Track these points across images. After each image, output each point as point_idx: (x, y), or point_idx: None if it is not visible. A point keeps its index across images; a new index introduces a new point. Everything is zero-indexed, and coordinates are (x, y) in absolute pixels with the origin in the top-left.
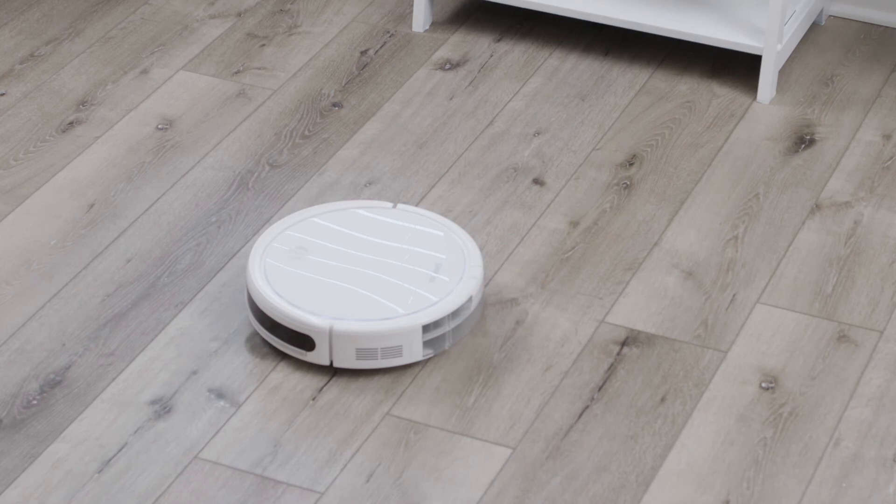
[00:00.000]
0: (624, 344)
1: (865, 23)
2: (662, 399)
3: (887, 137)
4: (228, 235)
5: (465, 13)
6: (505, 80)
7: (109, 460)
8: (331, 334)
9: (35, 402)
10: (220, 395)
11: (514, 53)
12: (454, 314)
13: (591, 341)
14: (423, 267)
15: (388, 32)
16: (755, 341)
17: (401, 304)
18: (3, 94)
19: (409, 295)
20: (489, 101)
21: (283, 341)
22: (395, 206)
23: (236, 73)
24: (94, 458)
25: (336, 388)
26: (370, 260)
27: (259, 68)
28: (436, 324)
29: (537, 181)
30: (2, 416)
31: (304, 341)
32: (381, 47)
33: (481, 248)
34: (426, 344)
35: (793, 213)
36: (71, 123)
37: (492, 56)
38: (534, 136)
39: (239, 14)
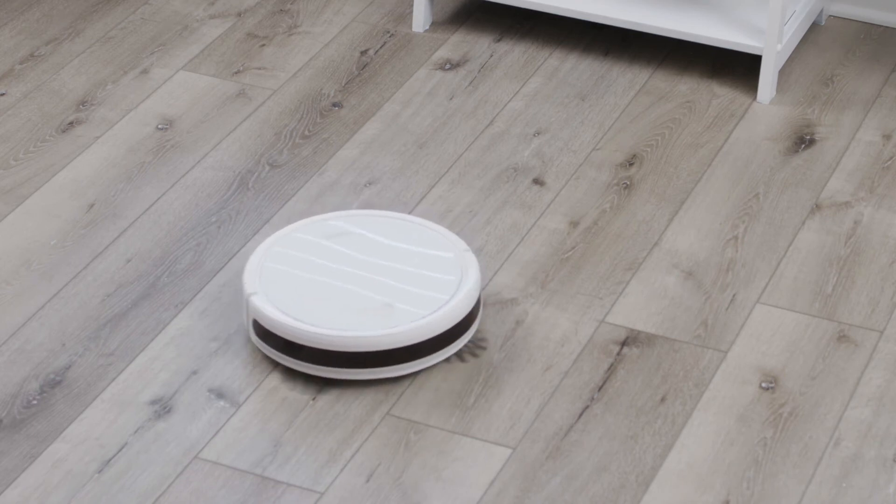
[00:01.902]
0: (624, 344)
1: (865, 23)
2: (662, 399)
3: (887, 137)
4: (228, 235)
5: (465, 13)
6: (505, 80)
7: (109, 460)
8: (481, 301)
9: (35, 402)
10: (220, 395)
11: (514, 53)
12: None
13: (591, 341)
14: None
15: (388, 32)
16: (755, 341)
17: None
18: (3, 94)
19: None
20: (489, 101)
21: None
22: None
23: (236, 73)
24: (94, 458)
25: (336, 388)
26: (376, 266)
27: (259, 68)
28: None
29: (537, 181)
30: (2, 416)
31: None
32: (381, 47)
33: (481, 249)
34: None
35: (793, 213)
36: (71, 123)
37: (492, 56)
38: (534, 136)
39: (239, 14)
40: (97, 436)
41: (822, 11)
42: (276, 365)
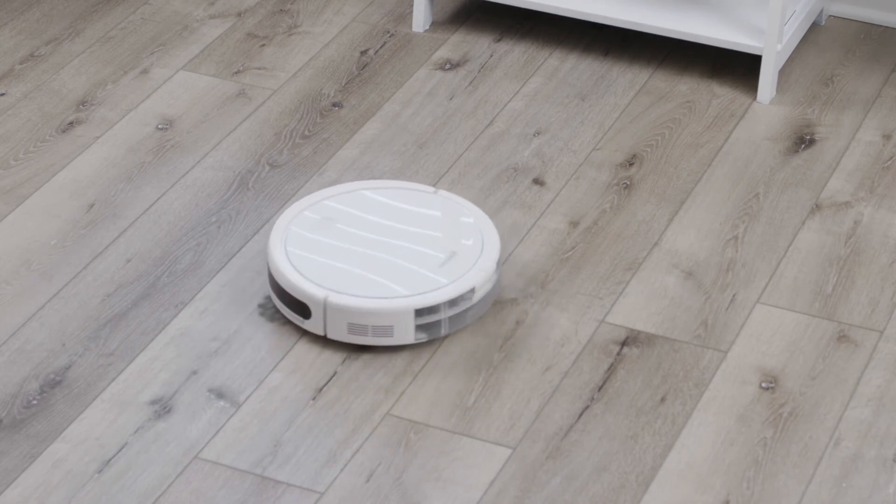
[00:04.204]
0: (624, 344)
1: (865, 23)
2: (662, 399)
3: (887, 137)
4: (228, 235)
5: (465, 13)
6: (505, 80)
7: (109, 460)
8: (325, 305)
9: (35, 402)
10: (220, 395)
11: (514, 53)
12: (451, 303)
13: (591, 341)
14: (438, 252)
15: (388, 32)
16: (755, 341)
17: (404, 285)
18: (3, 94)
19: (416, 277)
20: (489, 101)
21: (285, 307)
22: (436, 192)
23: (236, 73)
24: (94, 458)
25: (336, 388)
26: (388, 241)
27: (259, 68)
28: (430, 309)
29: (537, 181)
30: (2, 416)
31: (302, 309)
32: (381, 47)
33: None
34: (419, 328)
35: (793, 213)
36: (71, 123)
37: (492, 56)
38: (534, 136)
39: (239, 14)
40: (97, 436)
41: (822, 11)
42: (276, 365)
